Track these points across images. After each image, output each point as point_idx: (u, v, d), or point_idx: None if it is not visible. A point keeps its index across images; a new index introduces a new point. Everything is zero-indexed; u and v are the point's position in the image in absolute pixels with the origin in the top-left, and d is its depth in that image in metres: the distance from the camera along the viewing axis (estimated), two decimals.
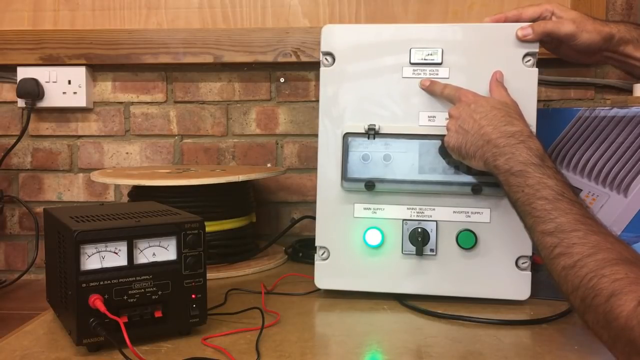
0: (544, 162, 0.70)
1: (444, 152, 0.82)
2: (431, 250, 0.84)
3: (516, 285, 0.83)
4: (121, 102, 1.28)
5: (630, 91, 1.19)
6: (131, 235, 0.68)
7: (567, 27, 0.83)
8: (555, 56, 0.91)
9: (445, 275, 0.84)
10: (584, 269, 0.59)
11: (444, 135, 0.82)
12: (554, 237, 0.64)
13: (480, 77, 0.84)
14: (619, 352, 0.55)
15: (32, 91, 1.23)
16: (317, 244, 0.87)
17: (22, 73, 1.24)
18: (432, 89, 0.84)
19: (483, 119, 0.75)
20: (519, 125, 0.75)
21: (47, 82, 1.24)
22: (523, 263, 0.83)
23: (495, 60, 0.83)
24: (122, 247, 0.67)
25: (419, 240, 0.83)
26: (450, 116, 0.80)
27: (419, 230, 0.84)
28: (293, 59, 1.21)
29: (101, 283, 0.65)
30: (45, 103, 1.25)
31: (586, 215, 0.64)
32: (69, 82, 1.25)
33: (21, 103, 1.25)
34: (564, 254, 0.62)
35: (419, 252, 0.83)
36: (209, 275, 0.74)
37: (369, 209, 0.86)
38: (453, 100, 0.81)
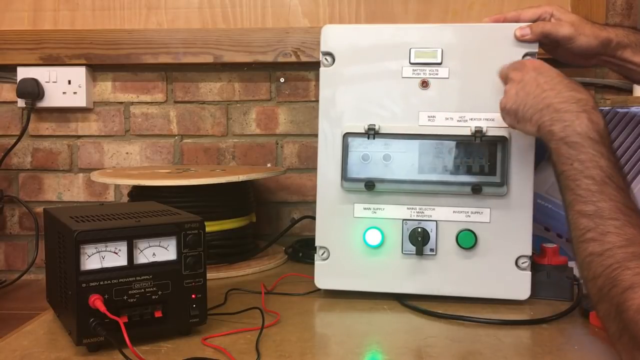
0: (603, 139, 0.66)
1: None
2: (431, 250, 0.84)
3: (516, 285, 0.83)
4: (121, 102, 1.28)
5: (630, 91, 1.19)
6: (131, 235, 0.68)
7: (565, 29, 0.83)
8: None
9: (445, 275, 0.84)
10: (611, 259, 0.58)
11: (443, 135, 0.82)
12: (590, 221, 0.62)
13: (480, 77, 0.84)
14: (622, 346, 0.55)
15: (32, 91, 1.23)
16: (317, 244, 0.87)
17: (22, 73, 1.24)
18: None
19: (547, 83, 0.72)
20: (585, 94, 0.70)
21: (47, 82, 1.24)
22: (523, 263, 0.83)
23: (495, 60, 0.83)
24: (122, 247, 0.67)
25: (419, 240, 0.83)
26: (511, 80, 0.77)
27: (419, 230, 0.84)
28: (293, 59, 1.21)
29: (101, 283, 0.65)
30: (45, 103, 1.25)
31: (629, 206, 0.62)
32: (69, 82, 1.25)
33: (21, 103, 1.25)
34: (596, 240, 0.60)
35: (419, 252, 0.83)
36: (209, 275, 0.74)
37: (369, 209, 0.86)
38: (516, 65, 0.79)
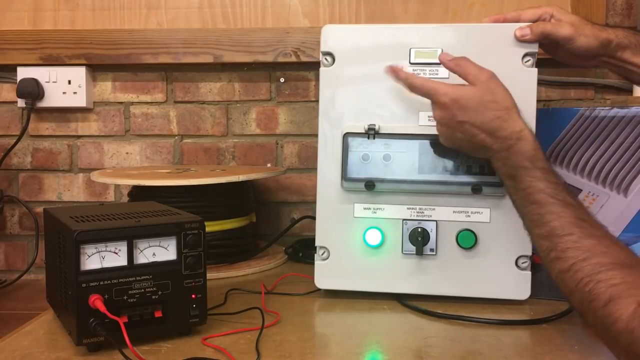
0: (534, 164, 0.69)
1: (440, 150, 0.82)
2: (431, 250, 0.84)
3: (516, 285, 0.83)
4: (121, 102, 1.28)
5: (630, 91, 1.19)
6: (131, 235, 0.68)
7: (565, 29, 0.83)
8: None
9: (445, 275, 0.84)
10: (579, 273, 0.59)
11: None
12: (548, 241, 0.64)
13: None
14: (619, 352, 0.56)
15: (32, 91, 1.23)
16: (317, 244, 0.87)
17: (22, 73, 1.24)
18: (397, 76, 0.79)
19: (472, 127, 0.73)
20: (508, 126, 0.72)
21: (47, 82, 1.24)
22: (523, 263, 0.83)
23: (495, 60, 0.83)
24: (122, 247, 0.67)
25: (419, 240, 0.83)
26: (436, 121, 0.77)
27: (419, 230, 0.84)
28: (293, 59, 1.21)
29: (101, 283, 0.65)
30: (45, 103, 1.25)
31: (581, 218, 0.64)
32: (69, 82, 1.25)
33: (21, 103, 1.25)
34: (559, 258, 0.62)
35: (419, 252, 0.83)
36: (209, 275, 0.74)
37: (369, 208, 0.86)
38: (427, 97, 0.77)
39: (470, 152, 0.78)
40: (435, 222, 0.84)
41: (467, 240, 0.83)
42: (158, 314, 0.69)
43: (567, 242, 0.62)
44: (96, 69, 1.27)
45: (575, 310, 0.61)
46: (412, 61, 0.85)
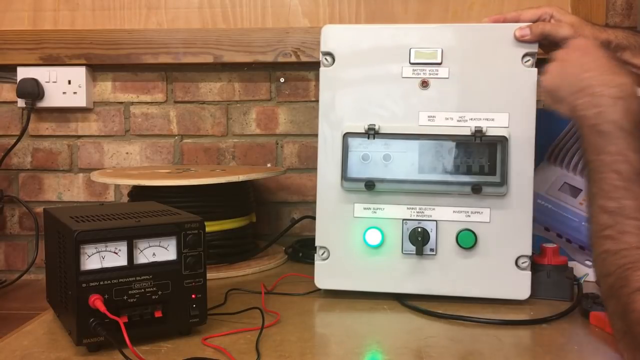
0: (638, 131, 0.63)
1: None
2: (431, 250, 0.84)
3: (516, 284, 0.83)
4: (121, 102, 1.28)
5: None
6: (131, 235, 0.68)
7: (564, 30, 0.83)
8: None
9: (445, 275, 0.84)
10: (625, 259, 0.57)
11: (443, 135, 0.82)
12: (610, 217, 0.60)
13: (480, 77, 0.84)
14: (625, 345, 0.56)
15: (32, 91, 1.23)
16: (317, 244, 0.87)
17: (22, 73, 1.24)
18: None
19: (589, 63, 0.69)
20: (627, 78, 0.66)
21: (47, 82, 1.24)
22: (523, 263, 0.83)
23: (495, 60, 0.83)
24: (122, 247, 0.67)
25: (419, 240, 0.83)
26: (555, 59, 0.75)
27: (419, 230, 0.84)
28: (293, 59, 1.21)
29: (101, 283, 0.65)
30: (45, 103, 1.25)
31: None
32: (69, 82, 1.25)
33: (21, 103, 1.25)
34: (613, 238, 0.59)
35: (419, 252, 0.83)
36: (209, 275, 0.74)
37: (369, 208, 0.86)
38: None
39: (564, 95, 0.70)
40: (435, 222, 0.84)
41: (467, 240, 0.83)
42: (158, 314, 0.69)
43: (629, 226, 0.59)
44: (96, 69, 1.27)
45: (601, 293, 0.60)
46: (412, 61, 0.85)
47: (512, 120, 0.83)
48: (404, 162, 0.84)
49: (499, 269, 0.83)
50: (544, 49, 0.87)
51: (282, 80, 1.26)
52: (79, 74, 1.25)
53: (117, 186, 1.28)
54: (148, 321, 0.68)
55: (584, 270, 0.94)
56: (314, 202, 0.88)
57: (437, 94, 0.85)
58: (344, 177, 0.85)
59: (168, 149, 1.29)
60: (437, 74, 0.85)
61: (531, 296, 0.83)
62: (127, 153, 1.29)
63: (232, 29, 1.23)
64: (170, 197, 0.99)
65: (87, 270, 0.65)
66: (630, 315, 0.54)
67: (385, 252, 0.85)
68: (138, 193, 1.07)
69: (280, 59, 1.21)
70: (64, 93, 1.25)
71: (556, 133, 0.98)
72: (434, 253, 0.84)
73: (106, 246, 0.66)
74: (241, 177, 0.99)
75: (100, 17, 1.25)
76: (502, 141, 0.82)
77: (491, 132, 0.82)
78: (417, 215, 0.85)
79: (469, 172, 0.82)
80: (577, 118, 0.68)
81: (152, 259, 0.69)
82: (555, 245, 0.87)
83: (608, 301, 0.58)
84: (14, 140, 1.25)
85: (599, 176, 0.63)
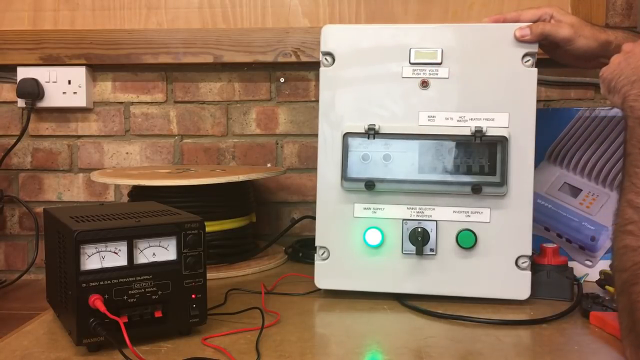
0: None
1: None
2: (431, 250, 0.84)
3: (516, 284, 0.83)
4: (121, 102, 1.28)
5: None
6: (131, 235, 0.68)
7: (564, 30, 0.83)
8: None
9: (445, 275, 0.84)
10: None
11: (443, 135, 0.82)
12: (635, 213, 0.60)
13: (480, 77, 0.84)
14: (629, 341, 0.56)
15: (32, 91, 1.23)
16: (317, 244, 0.87)
17: (22, 73, 1.24)
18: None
19: None
20: None
21: (47, 82, 1.24)
22: (523, 263, 0.83)
23: (495, 60, 0.83)
24: (122, 247, 0.67)
25: (419, 240, 0.83)
26: (622, 50, 0.74)
27: (419, 230, 0.84)
28: (293, 59, 1.21)
29: (101, 283, 0.65)
30: (45, 103, 1.25)
31: None
32: (69, 82, 1.25)
33: (21, 103, 1.25)
34: (634, 235, 0.59)
35: (419, 252, 0.83)
36: (209, 275, 0.74)
37: (369, 208, 0.86)
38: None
39: (619, 85, 0.70)
40: (435, 222, 0.84)
41: (467, 240, 0.83)
42: (158, 314, 0.69)
43: None
44: (96, 69, 1.27)
45: (615, 287, 0.60)
46: (412, 61, 0.85)
47: (512, 120, 0.83)
48: (404, 162, 0.84)
49: (499, 269, 0.83)
50: (544, 49, 0.88)
51: (282, 80, 1.26)
52: (79, 74, 1.25)
53: (117, 186, 1.28)
54: (148, 321, 0.68)
55: (584, 270, 0.94)
56: (314, 202, 0.88)
57: (437, 94, 0.85)
58: (344, 177, 0.85)
59: (168, 149, 1.29)
60: (437, 74, 0.85)
61: (531, 296, 0.83)
62: (127, 153, 1.29)
63: (232, 29, 1.23)
64: (170, 197, 0.99)
65: (87, 270, 0.65)
66: (637, 314, 0.54)
67: (385, 252, 0.85)
68: (138, 193, 1.07)
69: (280, 59, 1.21)
70: (64, 93, 1.25)
71: (556, 133, 0.98)
72: (434, 253, 0.84)
73: (106, 246, 0.66)
74: (241, 177, 0.99)
75: (100, 17, 1.25)
76: (502, 141, 0.82)
77: (491, 132, 0.82)
78: (417, 215, 0.85)
79: (469, 172, 0.82)
80: (626, 108, 0.67)
81: (152, 259, 0.69)
82: (555, 245, 0.87)
83: (620, 297, 0.59)
84: (14, 140, 1.25)
85: (633, 170, 0.63)
